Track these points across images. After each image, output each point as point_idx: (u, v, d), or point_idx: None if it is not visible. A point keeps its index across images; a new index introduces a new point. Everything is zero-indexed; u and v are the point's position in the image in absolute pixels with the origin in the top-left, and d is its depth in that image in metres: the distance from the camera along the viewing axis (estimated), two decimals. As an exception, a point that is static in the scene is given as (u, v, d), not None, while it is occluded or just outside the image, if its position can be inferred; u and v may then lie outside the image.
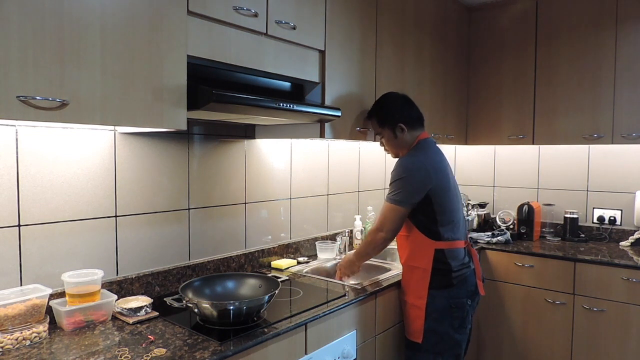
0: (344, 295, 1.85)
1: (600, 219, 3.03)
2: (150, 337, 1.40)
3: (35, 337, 1.35)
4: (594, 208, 3.08)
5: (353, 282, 2.05)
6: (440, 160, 2.00)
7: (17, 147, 1.44)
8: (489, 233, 3.02)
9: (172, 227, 1.88)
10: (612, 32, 2.73)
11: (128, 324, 1.51)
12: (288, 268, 2.24)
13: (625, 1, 2.68)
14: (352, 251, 2.13)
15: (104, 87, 1.25)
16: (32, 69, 1.11)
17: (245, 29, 1.64)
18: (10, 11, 1.07)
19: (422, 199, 1.89)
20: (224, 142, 2.09)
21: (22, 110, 1.10)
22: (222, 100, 1.43)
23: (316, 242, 2.51)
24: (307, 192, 2.55)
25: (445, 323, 1.92)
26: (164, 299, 1.60)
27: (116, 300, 1.57)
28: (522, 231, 3.05)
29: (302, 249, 2.50)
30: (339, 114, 1.93)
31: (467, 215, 3.19)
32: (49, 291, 1.43)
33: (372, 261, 2.33)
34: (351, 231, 2.74)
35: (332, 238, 2.65)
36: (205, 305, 1.46)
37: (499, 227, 3.17)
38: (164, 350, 1.30)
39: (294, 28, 1.81)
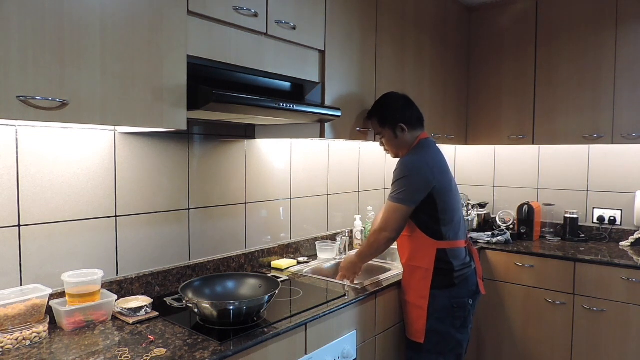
0: (344, 295, 1.85)
1: (600, 219, 3.03)
2: (150, 337, 1.40)
3: (35, 337, 1.35)
4: (594, 208, 3.08)
5: (353, 282, 2.05)
6: (441, 159, 2.01)
7: (17, 147, 1.44)
8: (489, 233, 3.02)
9: (172, 227, 1.88)
10: (612, 32, 2.73)
11: (128, 324, 1.51)
12: (288, 268, 2.24)
13: (625, 1, 2.68)
14: (353, 252, 2.12)
15: (104, 87, 1.25)
16: (32, 69, 1.11)
17: (245, 29, 1.64)
18: (10, 11, 1.07)
19: (426, 198, 1.89)
20: (224, 142, 2.09)
21: (22, 110, 1.10)
22: (222, 100, 1.43)
23: (316, 242, 2.51)
24: (307, 192, 2.55)
25: (447, 323, 1.92)
26: (164, 299, 1.59)
27: (116, 300, 1.57)
28: (522, 231, 3.05)
29: (302, 249, 2.50)
30: (339, 114, 1.93)
31: (467, 215, 3.19)
32: (49, 291, 1.43)
33: (372, 261, 2.31)
34: (351, 231, 2.74)
35: (332, 238, 2.65)
36: (205, 305, 1.46)
37: (499, 227, 3.17)
38: (164, 350, 1.30)
39: (294, 28, 1.81)
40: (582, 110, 2.85)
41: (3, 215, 1.42)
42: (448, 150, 3.65)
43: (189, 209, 1.94)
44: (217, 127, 2.05)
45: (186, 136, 1.92)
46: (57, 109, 1.16)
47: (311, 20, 1.91)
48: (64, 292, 1.50)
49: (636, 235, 2.82)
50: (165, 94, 1.39)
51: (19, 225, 1.45)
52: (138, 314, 1.54)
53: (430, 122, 2.65)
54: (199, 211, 1.98)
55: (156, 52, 1.36)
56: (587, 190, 3.11)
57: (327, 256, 2.45)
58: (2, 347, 1.28)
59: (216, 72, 1.67)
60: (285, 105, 1.64)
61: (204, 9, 1.49)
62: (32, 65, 1.11)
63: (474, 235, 3.01)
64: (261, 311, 1.56)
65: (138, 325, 1.50)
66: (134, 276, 1.74)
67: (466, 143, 3.35)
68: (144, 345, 1.34)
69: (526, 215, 3.04)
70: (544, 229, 3.19)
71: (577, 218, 3.04)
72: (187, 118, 1.46)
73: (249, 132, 2.19)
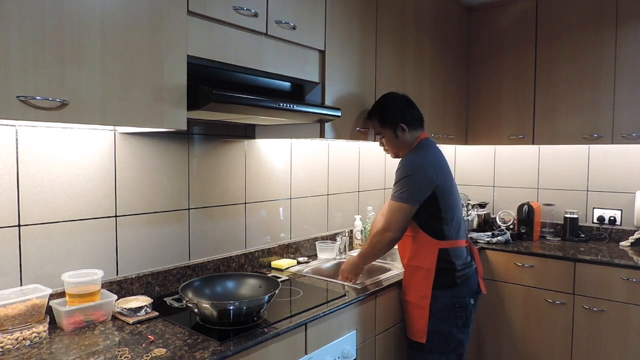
0: (344, 295, 1.84)
1: (600, 219, 3.03)
2: (150, 337, 1.40)
3: (35, 337, 1.35)
4: (594, 208, 3.08)
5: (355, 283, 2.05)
6: (442, 159, 2.01)
7: (17, 147, 1.44)
8: (489, 233, 3.02)
9: (172, 227, 1.88)
10: (612, 32, 2.73)
11: (128, 324, 1.51)
12: (288, 268, 2.24)
13: (625, 1, 2.68)
14: (353, 252, 2.12)
15: (104, 87, 1.25)
16: (32, 69, 1.11)
17: (245, 29, 1.64)
18: (10, 11, 1.07)
19: (428, 198, 1.89)
20: (224, 142, 2.09)
21: (22, 110, 1.10)
22: (222, 100, 1.43)
23: (316, 242, 2.51)
24: (307, 192, 2.55)
25: (449, 323, 1.92)
26: (164, 299, 1.59)
27: (116, 300, 1.57)
28: (522, 231, 3.05)
29: (302, 249, 2.50)
30: (339, 114, 1.93)
31: (467, 215, 3.19)
32: (49, 291, 1.43)
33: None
34: (351, 231, 2.74)
35: (332, 238, 2.65)
36: (205, 305, 1.46)
37: (499, 227, 3.17)
38: (164, 350, 1.30)
39: (294, 28, 1.81)
40: (582, 110, 2.85)
41: (3, 215, 1.42)
42: (448, 150, 3.65)
43: (189, 209, 1.94)
44: (217, 127, 2.05)
45: (186, 136, 1.92)
46: (57, 109, 1.16)
47: (311, 20, 1.91)
48: (64, 292, 1.50)
49: (636, 235, 2.82)
50: (165, 94, 1.39)
51: (19, 225, 1.45)
52: (138, 314, 1.54)
53: (430, 122, 2.65)
54: (199, 211, 1.98)
55: (156, 52, 1.36)
56: (587, 190, 3.11)
57: (327, 256, 2.45)
58: (2, 347, 1.28)
59: (216, 72, 1.67)
60: (285, 105, 1.64)
61: (204, 9, 1.49)
62: (32, 65, 1.11)
63: (474, 235, 3.01)
64: (261, 311, 1.56)
65: (138, 325, 1.50)
66: (134, 276, 1.74)
67: (466, 143, 3.35)
68: (144, 345, 1.34)
69: (526, 215, 3.04)
70: (544, 229, 3.19)
71: (577, 218, 3.04)
72: (187, 118, 1.46)
73: (249, 132, 2.19)
